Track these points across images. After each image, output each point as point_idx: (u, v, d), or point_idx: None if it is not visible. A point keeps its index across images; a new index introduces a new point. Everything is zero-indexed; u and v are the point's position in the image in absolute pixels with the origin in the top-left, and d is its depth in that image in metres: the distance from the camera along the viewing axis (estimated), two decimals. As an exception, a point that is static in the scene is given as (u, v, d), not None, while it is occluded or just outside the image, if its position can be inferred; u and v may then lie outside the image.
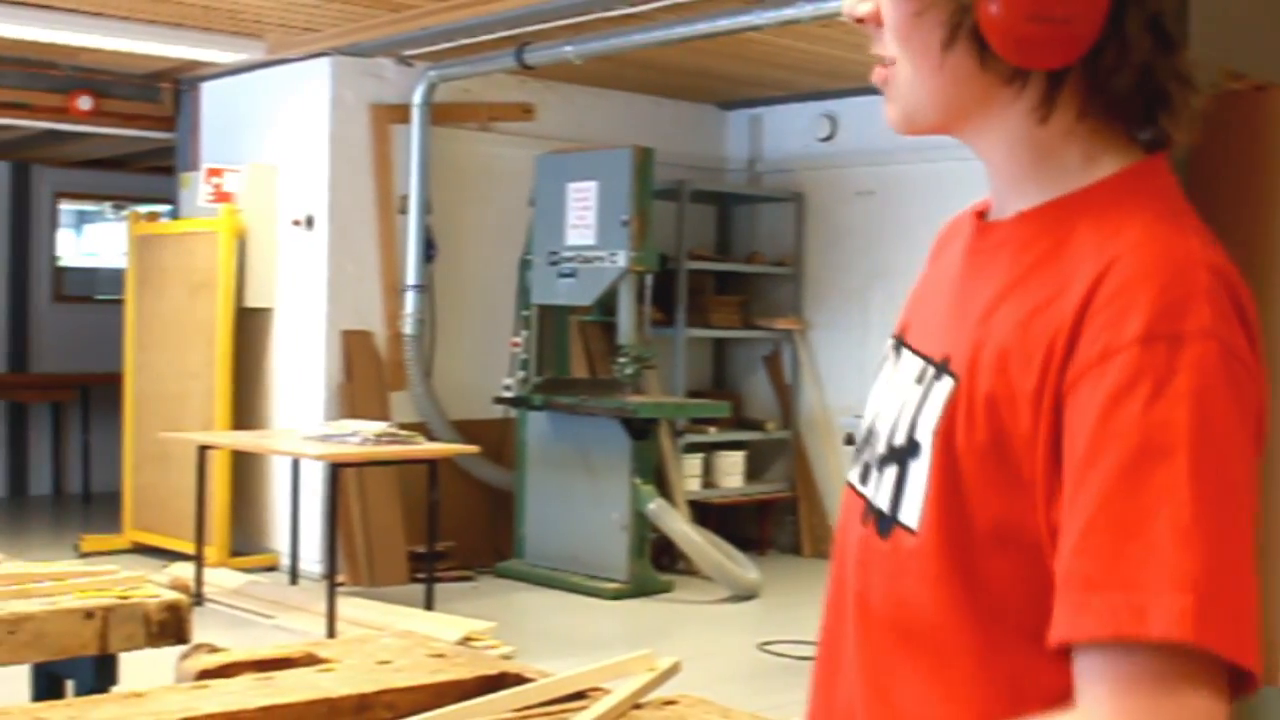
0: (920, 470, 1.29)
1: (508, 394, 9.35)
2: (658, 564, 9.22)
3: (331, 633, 7.33)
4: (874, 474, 1.39)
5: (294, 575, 8.94)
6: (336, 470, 7.74)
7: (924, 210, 8.67)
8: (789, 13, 7.51)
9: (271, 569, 9.40)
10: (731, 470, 10.33)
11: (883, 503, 1.35)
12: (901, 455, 1.33)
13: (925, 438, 1.29)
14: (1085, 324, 1.19)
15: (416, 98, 9.37)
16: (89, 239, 19.03)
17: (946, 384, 1.29)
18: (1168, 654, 1.11)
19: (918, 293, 1.51)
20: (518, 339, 9.44)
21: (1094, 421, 1.17)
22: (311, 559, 9.04)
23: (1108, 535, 1.14)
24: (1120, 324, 1.17)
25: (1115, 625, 1.12)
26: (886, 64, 1.36)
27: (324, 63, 9.34)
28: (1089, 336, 1.19)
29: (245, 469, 9.67)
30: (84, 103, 10.27)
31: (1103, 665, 1.14)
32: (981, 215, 1.41)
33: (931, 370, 1.33)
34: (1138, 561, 1.13)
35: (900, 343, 1.46)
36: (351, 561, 8.94)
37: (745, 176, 11.16)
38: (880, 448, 1.39)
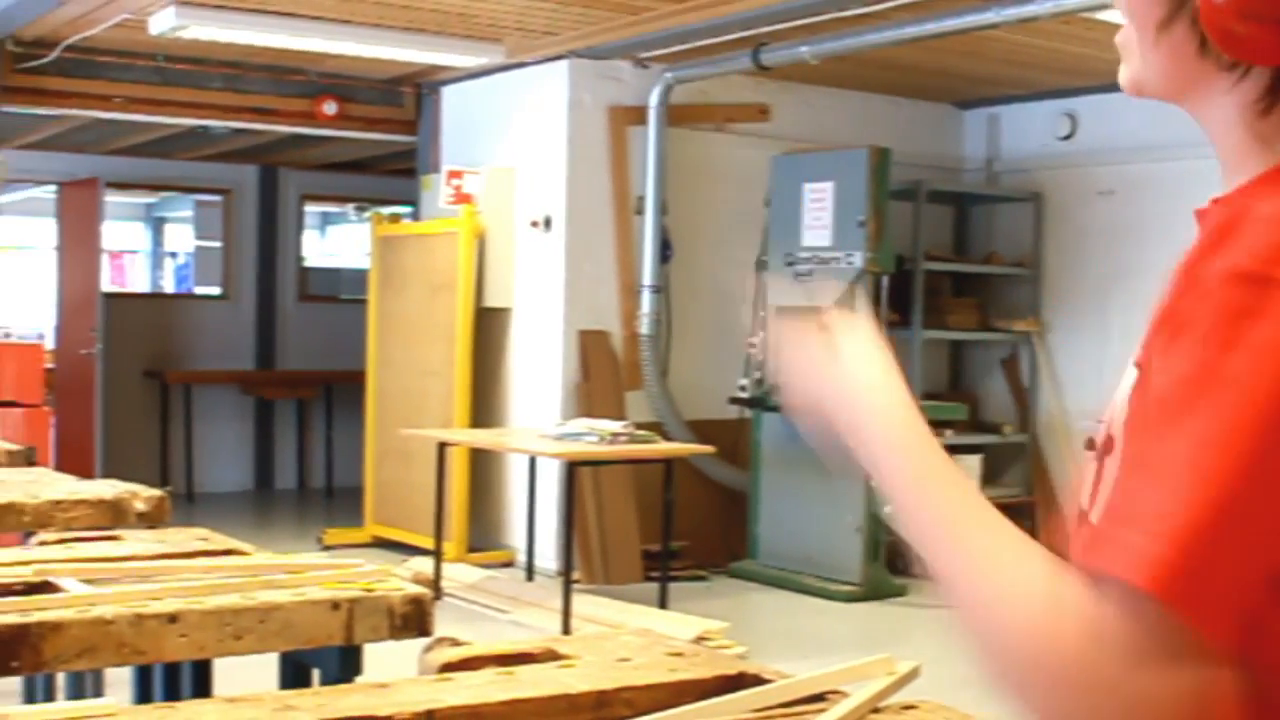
0: (1112, 467, 1.26)
1: (743, 394, 9.35)
2: (892, 567, 9.13)
3: (566, 629, 7.40)
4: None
5: (530, 572, 9.05)
6: (573, 469, 7.81)
7: (1166, 210, 8.48)
8: (1028, 9, 7.39)
9: (508, 565, 9.52)
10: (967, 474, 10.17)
11: (1084, 502, 1.33)
12: (1101, 453, 1.30)
13: (1118, 432, 1.26)
14: (1184, 261, 1.14)
15: (653, 99, 9.42)
16: (332, 240, 19.54)
17: (1132, 374, 1.26)
18: (1140, 599, 1.06)
19: None
20: (753, 340, 9.43)
21: (1160, 352, 1.12)
22: (547, 556, 9.14)
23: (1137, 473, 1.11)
24: (1211, 258, 1.11)
25: (1104, 561, 1.09)
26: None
27: (562, 66, 9.44)
28: (1181, 271, 1.14)
29: (483, 466, 9.81)
30: (329, 108, 10.53)
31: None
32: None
33: (1131, 362, 1.30)
34: (1143, 502, 1.08)
35: None
36: (586, 559, 9.02)
37: (983, 176, 11.00)
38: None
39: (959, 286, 10.71)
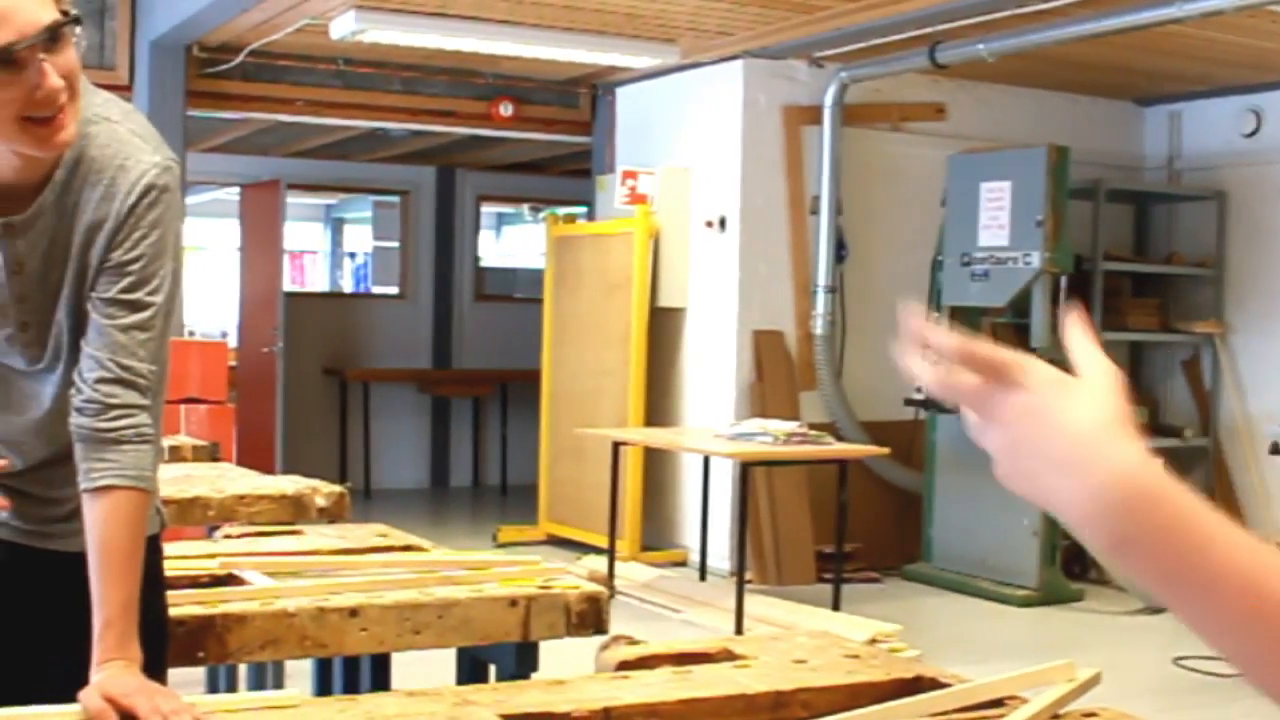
0: None
1: (918, 396, 9.26)
2: (1069, 572, 9.01)
3: (739, 629, 7.39)
4: None
5: (703, 571, 9.05)
6: (747, 469, 7.80)
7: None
8: (1212, 3, 7.23)
9: (681, 565, 9.54)
10: (1148, 477, 9.99)
11: None
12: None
13: None
14: None
15: (828, 99, 9.37)
16: (507, 240, 19.72)
17: None
18: None
19: None
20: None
21: None
22: (720, 556, 9.14)
23: None
24: None
25: None
26: None
27: (736, 66, 9.43)
28: None
29: (657, 465, 9.84)
30: (505, 109, 10.63)
31: None
32: None
33: None
34: None
35: None
36: (759, 559, 9.00)
37: (1164, 174, 10.79)
38: None
39: (1139, 287, 10.52)
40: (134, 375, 2.31)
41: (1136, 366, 10.91)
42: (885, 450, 8.50)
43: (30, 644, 2.35)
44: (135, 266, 2.30)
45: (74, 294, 2.32)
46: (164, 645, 2.62)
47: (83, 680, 2.24)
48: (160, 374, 2.40)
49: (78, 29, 2.15)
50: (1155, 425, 10.23)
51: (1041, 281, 8.71)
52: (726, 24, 8.65)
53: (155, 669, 2.54)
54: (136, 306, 2.31)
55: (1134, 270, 10.38)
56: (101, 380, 2.29)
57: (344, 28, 8.44)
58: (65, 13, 2.15)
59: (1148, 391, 10.74)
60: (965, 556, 9.05)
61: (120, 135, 2.30)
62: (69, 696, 2.22)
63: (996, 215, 8.93)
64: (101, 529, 2.28)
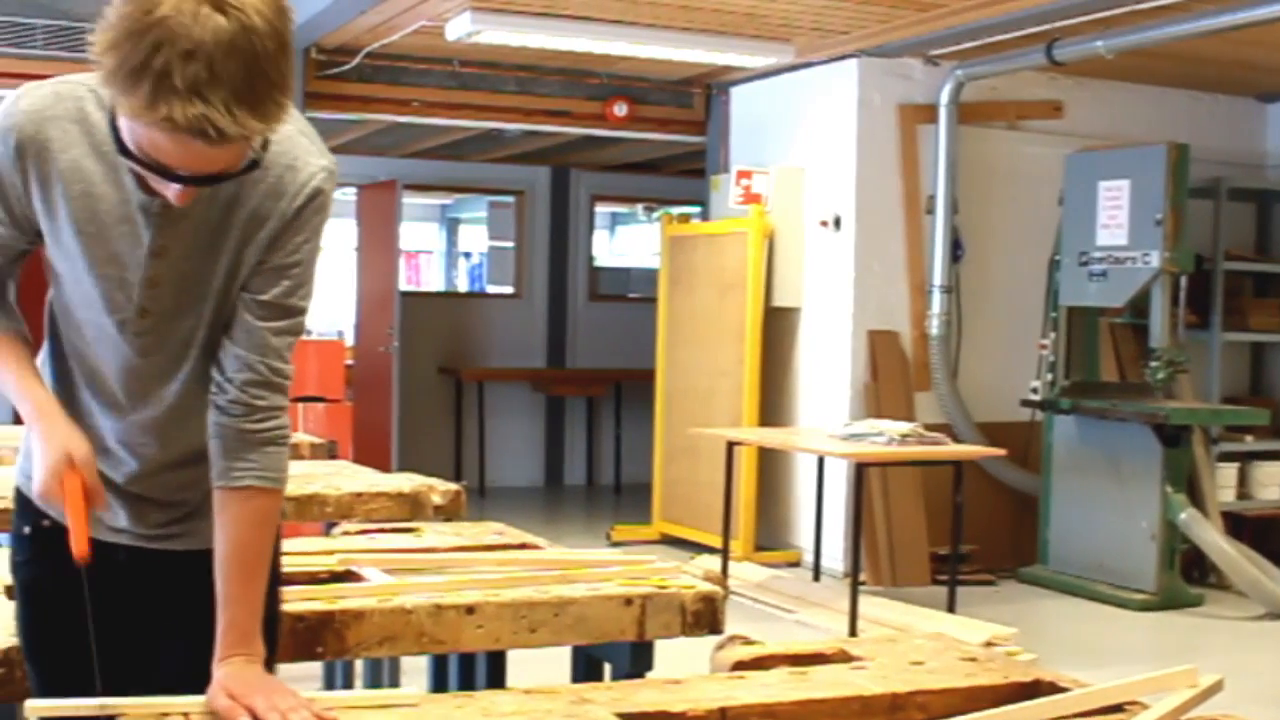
0: None
1: (1034, 397, 9.19)
2: (1188, 576, 8.89)
3: (853, 631, 7.36)
4: None
5: (816, 572, 9.02)
6: (861, 469, 7.76)
7: None
8: (1340, -2, 7.11)
9: (794, 565, 9.51)
10: (1269, 481, 9.84)
11: None
12: None
13: None
14: None
15: (943, 97, 9.31)
16: (621, 240, 19.75)
17: None
18: None
19: None
20: (1045, 341, 9.27)
21: None
22: (834, 556, 9.11)
23: None
24: None
25: None
26: None
27: (851, 64, 9.39)
28: None
29: (771, 465, 9.82)
30: (620, 109, 10.64)
31: None
32: None
33: None
34: None
35: None
36: (873, 561, 8.96)
37: (1287, 172, 10.64)
38: None
39: (1261, 287, 10.36)
40: (280, 378, 2.33)
41: (1258, 368, 10.76)
42: (1001, 451, 8.43)
43: (148, 637, 2.38)
44: (294, 271, 2.29)
45: (225, 289, 2.31)
46: (275, 641, 2.65)
47: (198, 672, 2.28)
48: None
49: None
50: (1277, 428, 10.05)
51: (1161, 281, 8.60)
52: (842, 22, 8.61)
53: (267, 665, 2.58)
54: (290, 311, 2.32)
55: (1256, 270, 10.24)
56: (250, 383, 2.30)
57: (460, 29, 8.49)
58: (254, 162, 2.13)
59: (1270, 393, 10.58)
60: (1082, 560, 8.95)
61: (288, 133, 2.26)
62: (184, 688, 2.26)
63: (1115, 214, 8.83)
64: (236, 528, 2.30)
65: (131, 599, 2.48)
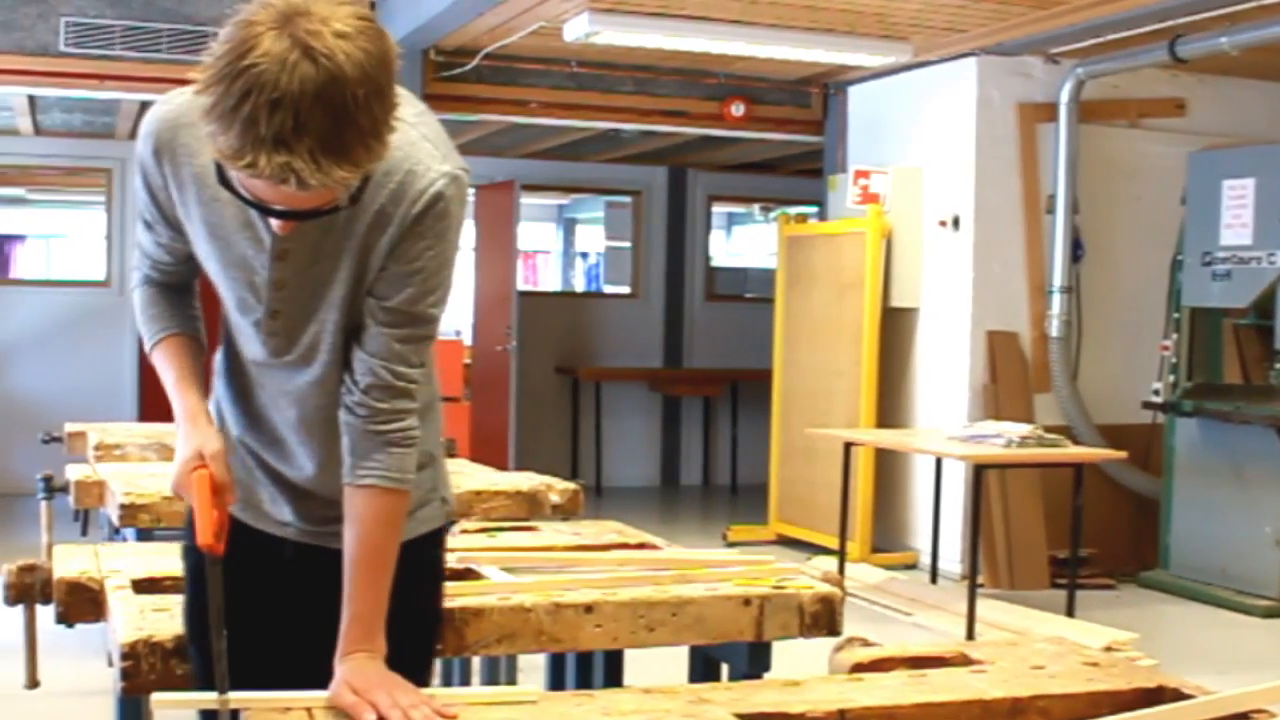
0: None
1: (1156, 399, 9.07)
2: (1315, 581, 8.75)
3: (970, 634, 7.31)
4: None
5: (933, 574, 8.97)
6: (980, 472, 7.71)
7: None
8: None
9: (911, 567, 9.46)
10: (1399, 485, 9.67)
11: None
12: None
13: None
14: None
15: (1063, 95, 9.22)
16: (737, 240, 19.74)
17: None
18: None
19: None
20: (1167, 342, 9.15)
21: None
22: (951, 559, 9.05)
23: None
24: None
25: None
26: None
27: (970, 63, 9.32)
28: None
29: (888, 467, 9.77)
30: (737, 109, 10.64)
31: None
32: None
33: None
34: None
35: None
36: (991, 563, 8.89)
37: None
38: None
39: (1392, 288, 10.16)
40: (406, 381, 2.35)
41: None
42: (1122, 454, 8.33)
43: (310, 637, 2.41)
44: (418, 278, 2.30)
45: (350, 294, 2.33)
46: (437, 635, 2.69)
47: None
48: (428, 372, 2.45)
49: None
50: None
51: (1286, 282, 8.48)
52: (960, 21, 8.56)
53: (426, 658, 2.62)
54: (416, 319, 2.34)
55: (1386, 270, 10.04)
56: (374, 386, 2.33)
57: (578, 29, 8.53)
58: (354, 196, 2.17)
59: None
60: (1204, 565, 8.83)
61: (412, 138, 2.27)
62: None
63: (1239, 213, 8.70)
64: (361, 526, 2.34)
65: (293, 595, 2.52)
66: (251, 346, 2.44)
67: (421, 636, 2.60)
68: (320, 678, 2.28)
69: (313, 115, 1.93)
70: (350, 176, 2.02)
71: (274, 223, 2.18)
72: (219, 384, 2.56)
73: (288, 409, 2.47)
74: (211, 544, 2.27)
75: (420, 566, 2.54)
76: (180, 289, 2.57)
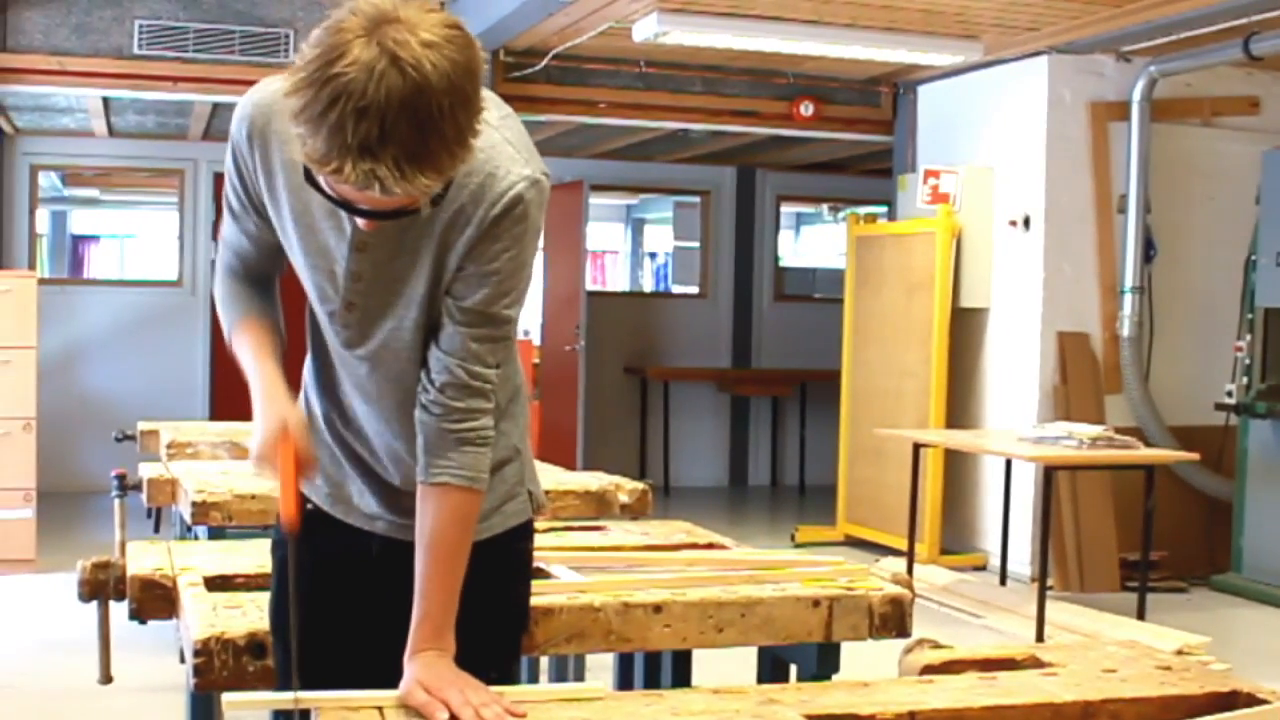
0: None
1: (1229, 400, 8.99)
2: (1391, 585, 8.65)
3: (1040, 636, 7.27)
4: None
5: (1003, 576, 8.92)
6: (1050, 473, 7.65)
7: None
8: None
9: (980, 569, 9.42)
10: None
11: None
12: None
13: None
14: None
15: (1136, 94, 9.15)
16: (805, 240, 19.70)
17: None
18: None
19: None
20: (1240, 343, 9.07)
21: None
22: (1021, 560, 9.00)
23: None
24: None
25: None
26: None
27: (1041, 61, 9.27)
28: None
29: (957, 468, 9.74)
30: (806, 109, 10.63)
31: None
32: None
33: None
34: None
35: None
36: (1061, 565, 8.84)
37: None
38: None
39: None
40: (482, 381, 2.36)
41: None
42: (1194, 456, 8.26)
43: (391, 633, 2.42)
44: (494, 279, 2.31)
45: (429, 292, 2.34)
46: (524, 629, 2.70)
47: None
48: (510, 370, 2.48)
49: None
50: None
51: (1362, 282, 8.39)
52: (1031, 19, 8.51)
53: (514, 651, 2.63)
54: (492, 320, 2.35)
55: None
56: (449, 384, 2.35)
57: (647, 30, 8.53)
58: (439, 196, 2.18)
59: None
60: (1277, 568, 8.74)
61: (494, 140, 2.28)
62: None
63: (1314, 213, 8.62)
64: (434, 524, 2.35)
65: (378, 591, 2.53)
66: (329, 337, 2.48)
67: (509, 630, 2.61)
68: (397, 674, 2.30)
69: (398, 125, 1.95)
70: (434, 183, 2.04)
71: (360, 222, 2.21)
72: (307, 374, 2.59)
73: (368, 402, 2.49)
74: (294, 519, 2.28)
75: (507, 561, 2.55)
76: (262, 282, 2.59)
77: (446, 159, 2.02)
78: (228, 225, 2.54)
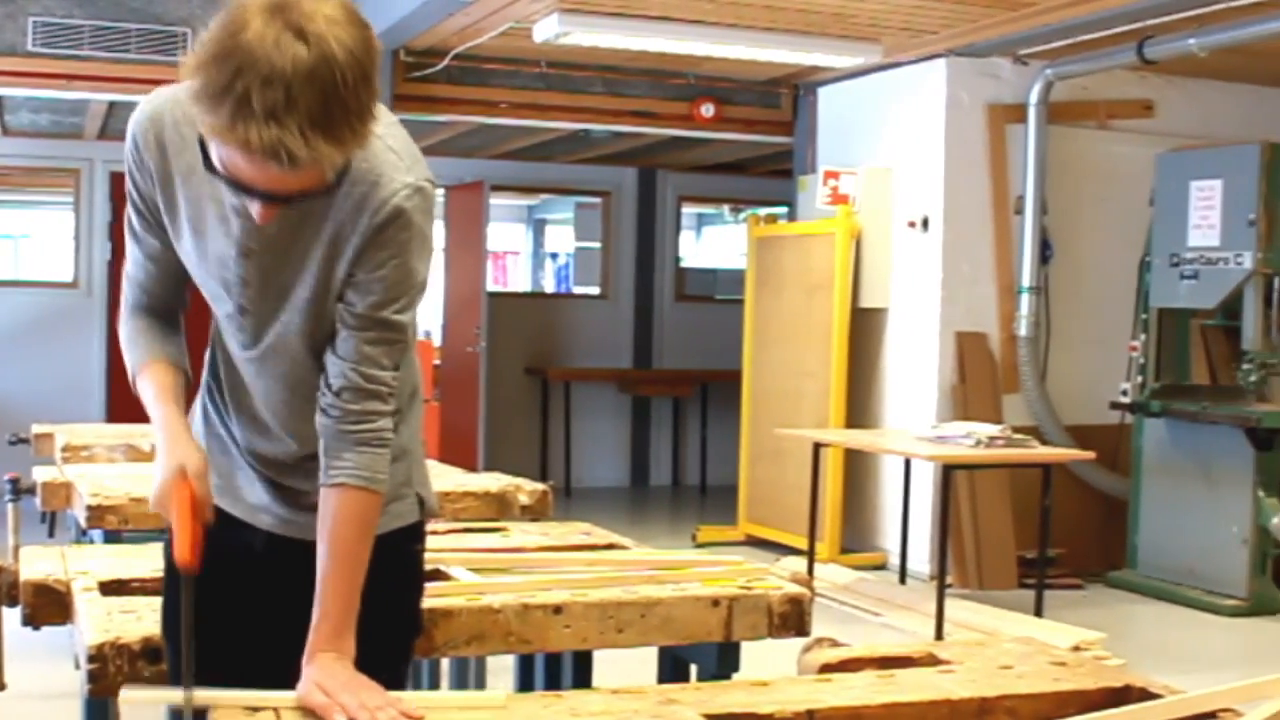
0: None
1: (1124, 399, 9.10)
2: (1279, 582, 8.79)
3: (939, 634, 7.33)
4: None
5: (902, 574, 8.98)
6: (948, 472, 7.72)
7: None
8: None
9: (880, 568, 9.48)
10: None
11: None
12: None
13: None
14: None
15: (1033, 97, 9.25)
16: (706, 240, 19.75)
17: None
18: None
19: None
20: (1135, 343, 9.18)
21: None
22: (920, 559, 9.06)
23: None
24: None
25: None
26: None
27: (939, 64, 9.35)
28: None
29: (857, 467, 9.79)
30: (707, 110, 10.65)
31: None
32: None
33: None
34: None
35: None
36: (960, 564, 8.91)
37: (1385, 173, 10.46)
38: None
39: (1358, 289, 10.20)
40: (378, 384, 2.38)
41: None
42: (1090, 455, 8.35)
43: (281, 633, 2.41)
44: (382, 286, 2.33)
45: (314, 298, 2.36)
46: (414, 635, 2.70)
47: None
48: (406, 372, 2.48)
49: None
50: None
51: (1254, 283, 8.50)
52: (930, 22, 8.58)
53: (402, 657, 2.63)
54: (384, 324, 2.36)
55: (1352, 271, 10.08)
56: (345, 388, 2.36)
57: (548, 30, 8.52)
58: (333, 184, 2.21)
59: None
60: (1171, 564, 8.86)
61: (378, 148, 2.30)
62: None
63: (1207, 215, 8.74)
64: (332, 524, 2.35)
65: (263, 589, 2.53)
66: (227, 338, 2.50)
67: (396, 635, 2.60)
68: (290, 675, 2.28)
69: (304, 93, 1.99)
70: (336, 155, 2.07)
71: (254, 212, 2.19)
72: (206, 366, 2.60)
73: (259, 396, 2.50)
74: (190, 561, 2.28)
75: (394, 563, 2.53)
76: (167, 317, 2.59)
77: (348, 132, 2.05)
78: (130, 255, 2.54)
